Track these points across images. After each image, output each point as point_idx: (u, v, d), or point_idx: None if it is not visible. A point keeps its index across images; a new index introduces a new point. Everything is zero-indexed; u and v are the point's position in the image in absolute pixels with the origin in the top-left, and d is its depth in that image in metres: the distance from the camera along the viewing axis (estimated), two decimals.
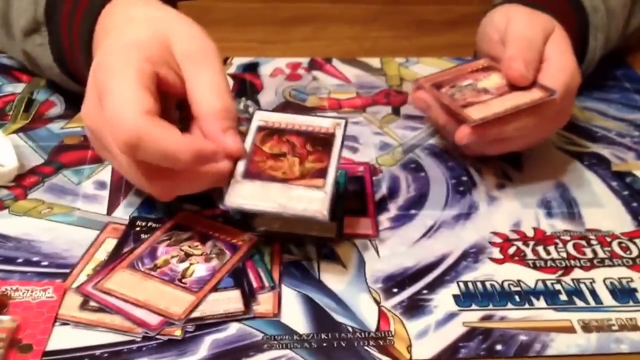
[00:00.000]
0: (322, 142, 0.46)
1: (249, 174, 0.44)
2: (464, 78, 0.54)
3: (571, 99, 0.53)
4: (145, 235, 0.47)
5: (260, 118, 0.48)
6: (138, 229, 0.48)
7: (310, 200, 0.43)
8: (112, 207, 0.50)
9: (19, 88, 0.61)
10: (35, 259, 0.45)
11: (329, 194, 0.43)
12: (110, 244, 0.46)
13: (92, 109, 0.44)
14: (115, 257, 0.45)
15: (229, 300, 0.43)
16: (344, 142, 0.46)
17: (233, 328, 0.42)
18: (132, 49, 0.43)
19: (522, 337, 0.42)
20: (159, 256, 0.45)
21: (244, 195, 0.43)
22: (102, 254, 0.46)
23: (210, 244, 0.46)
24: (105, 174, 0.52)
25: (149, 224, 0.48)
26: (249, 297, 0.43)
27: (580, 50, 0.59)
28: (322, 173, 0.44)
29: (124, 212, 0.49)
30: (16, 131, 0.56)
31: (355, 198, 0.51)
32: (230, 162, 0.43)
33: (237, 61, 0.66)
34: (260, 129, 0.47)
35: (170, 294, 0.43)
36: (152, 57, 0.43)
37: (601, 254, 0.48)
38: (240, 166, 0.44)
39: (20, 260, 0.45)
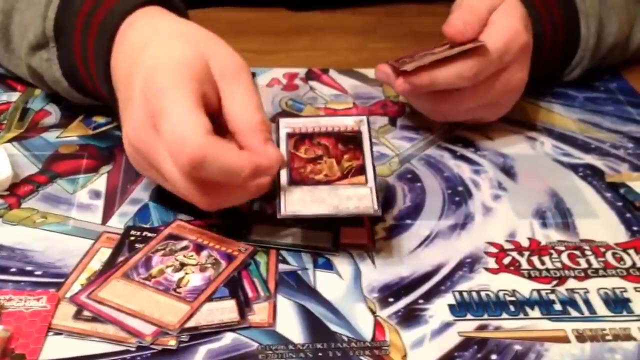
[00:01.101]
0: (351, 140, 0.49)
1: (293, 182, 0.46)
2: (424, 52, 0.56)
3: (517, 59, 0.55)
4: (140, 245, 0.47)
5: (286, 125, 0.50)
6: (133, 238, 0.47)
7: (359, 198, 0.45)
8: (106, 216, 0.50)
9: (13, 97, 0.61)
10: (28, 268, 0.45)
11: (374, 188, 0.45)
12: (104, 253, 0.46)
13: (142, 131, 0.44)
14: (110, 266, 0.45)
15: (224, 310, 0.43)
16: (371, 137, 0.49)
17: (228, 338, 0.41)
18: (181, 68, 0.44)
19: (517, 347, 0.42)
20: (154, 266, 0.45)
21: (297, 202, 0.45)
22: (96, 264, 0.46)
23: (205, 254, 0.46)
24: (99, 183, 0.52)
25: (144, 234, 0.48)
26: (244, 307, 0.43)
27: (575, 38, 0.61)
28: (361, 170, 0.47)
29: (118, 222, 0.49)
30: (10, 140, 0.56)
31: None
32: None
33: None
34: (289, 135, 0.49)
35: (165, 303, 0.43)
36: (198, 76, 0.44)
37: (595, 265, 0.48)
38: (283, 176, 0.46)
39: (13, 270, 0.45)
